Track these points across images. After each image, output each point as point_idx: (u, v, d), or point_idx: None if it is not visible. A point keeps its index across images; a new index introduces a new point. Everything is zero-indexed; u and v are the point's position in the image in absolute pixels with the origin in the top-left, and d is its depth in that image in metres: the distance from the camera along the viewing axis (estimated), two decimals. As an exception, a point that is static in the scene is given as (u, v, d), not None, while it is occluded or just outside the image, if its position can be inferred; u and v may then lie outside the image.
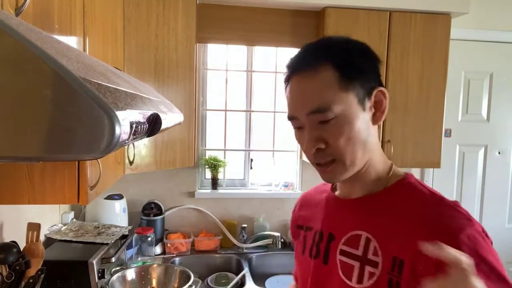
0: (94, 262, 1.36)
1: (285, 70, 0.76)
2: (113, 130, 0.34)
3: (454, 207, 0.67)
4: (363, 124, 0.70)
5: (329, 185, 0.88)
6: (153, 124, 0.55)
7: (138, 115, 0.46)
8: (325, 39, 0.75)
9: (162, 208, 2.11)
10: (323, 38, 0.76)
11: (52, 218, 1.72)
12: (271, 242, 2.15)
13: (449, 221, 0.64)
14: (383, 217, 0.72)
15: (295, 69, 0.73)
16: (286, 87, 0.76)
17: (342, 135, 0.68)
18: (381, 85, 0.74)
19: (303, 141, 0.72)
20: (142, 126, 0.46)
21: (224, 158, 2.30)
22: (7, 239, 1.23)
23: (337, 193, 0.83)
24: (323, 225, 0.82)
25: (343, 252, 0.75)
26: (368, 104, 0.71)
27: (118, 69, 1.03)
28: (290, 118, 0.74)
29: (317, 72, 0.69)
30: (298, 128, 0.74)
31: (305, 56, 0.73)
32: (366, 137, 0.71)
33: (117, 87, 0.47)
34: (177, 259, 2.02)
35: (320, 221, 0.84)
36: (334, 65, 0.69)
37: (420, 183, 0.75)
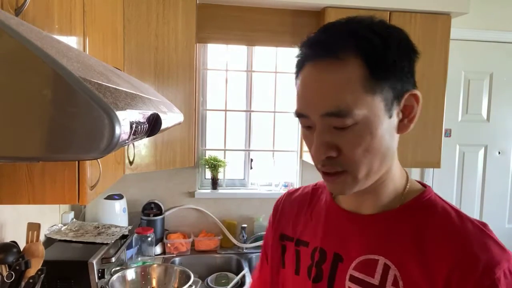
0: (94, 262, 1.36)
1: (298, 52, 0.62)
2: (113, 130, 0.34)
3: (485, 231, 0.58)
4: (386, 132, 0.58)
5: (322, 188, 0.77)
6: (153, 124, 0.55)
7: (138, 115, 0.46)
8: (356, 20, 0.59)
9: (162, 208, 2.11)
10: (353, 19, 0.60)
11: (52, 218, 1.72)
12: (271, 242, 2.14)
13: (482, 250, 0.55)
14: (403, 241, 0.61)
15: (313, 54, 0.58)
16: (297, 75, 0.62)
17: (360, 145, 0.57)
18: (415, 86, 0.60)
19: (312, 143, 0.61)
20: (142, 126, 0.46)
21: (224, 158, 2.30)
22: (7, 239, 1.23)
23: (342, 204, 0.70)
24: (324, 242, 0.69)
25: (354, 279, 0.63)
26: (396, 109, 0.58)
27: (118, 69, 1.03)
28: (299, 115, 0.61)
29: (341, 65, 0.55)
30: (307, 127, 0.62)
31: (328, 40, 0.58)
32: (387, 147, 0.59)
33: (117, 87, 0.47)
34: (177, 259, 2.01)
35: (320, 236, 0.70)
36: (364, 60, 0.55)
37: (441, 199, 0.65)
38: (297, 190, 0.84)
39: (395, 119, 0.59)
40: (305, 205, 0.78)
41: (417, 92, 0.60)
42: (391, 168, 0.63)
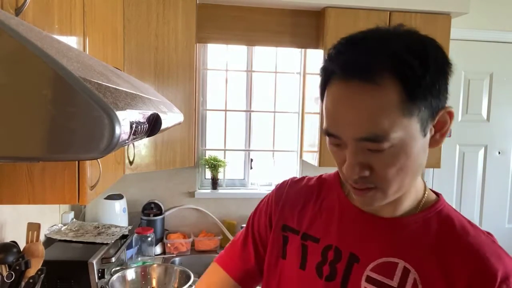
0: (94, 262, 1.36)
1: (325, 63, 0.59)
2: (113, 130, 0.34)
3: (495, 242, 0.63)
4: (420, 150, 0.58)
5: (334, 180, 0.75)
6: (153, 124, 0.55)
7: (138, 115, 0.46)
8: (391, 36, 0.56)
9: (162, 208, 2.11)
10: (387, 33, 0.57)
11: (52, 218, 1.72)
12: (271, 242, 2.14)
13: (497, 261, 0.59)
14: (423, 247, 0.62)
15: (345, 73, 0.55)
16: (323, 87, 0.60)
17: (394, 165, 0.56)
18: (447, 100, 0.59)
19: (341, 159, 0.60)
20: (142, 126, 0.46)
21: (224, 158, 2.30)
22: (7, 239, 1.23)
23: (357, 204, 0.69)
24: (339, 241, 0.68)
25: (371, 280, 0.63)
26: (430, 126, 0.58)
27: (118, 69, 1.03)
28: (329, 134, 0.59)
29: (377, 88, 0.53)
30: (336, 145, 0.60)
31: (362, 60, 0.54)
32: (420, 164, 0.60)
33: (117, 87, 0.47)
34: (177, 259, 2.01)
35: (335, 235, 0.69)
36: (402, 84, 0.52)
37: (453, 209, 0.68)
38: (301, 179, 0.82)
39: (428, 136, 0.58)
40: (312, 198, 0.76)
41: (451, 109, 0.58)
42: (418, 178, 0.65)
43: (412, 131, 0.55)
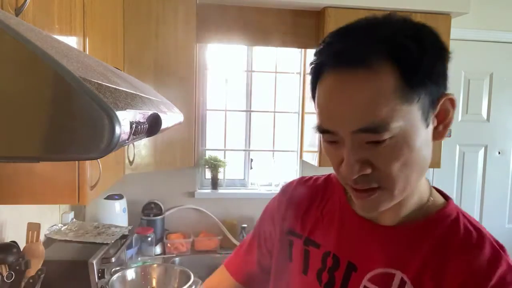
0: (94, 262, 1.36)
1: (314, 59, 0.55)
2: (113, 130, 0.34)
3: (502, 257, 0.56)
4: (424, 142, 0.53)
5: (338, 182, 0.69)
6: (153, 124, 0.55)
7: (138, 115, 0.46)
8: (383, 23, 0.54)
9: (162, 208, 2.11)
10: (376, 21, 0.55)
11: (52, 218, 1.72)
12: (271, 242, 2.14)
13: (493, 274, 0.54)
14: (422, 257, 0.58)
15: (337, 63, 0.52)
16: (314, 85, 0.56)
17: (397, 159, 0.51)
18: (447, 88, 0.55)
19: (338, 159, 0.55)
20: (142, 126, 0.46)
21: (224, 158, 2.30)
22: (7, 239, 1.23)
23: (358, 210, 0.66)
24: (338, 248, 0.66)
25: None
26: (432, 115, 0.54)
27: (118, 69, 1.03)
28: (323, 131, 0.55)
29: (373, 75, 0.50)
30: (331, 142, 0.56)
31: (355, 48, 0.51)
32: (425, 158, 0.55)
33: (117, 87, 0.47)
34: (177, 259, 2.01)
35: (333, 241, 0.67)
36: (399, 68, 0.49)
37: (463, 215, 0.61)
38: (308, 179, 0.78)
39: (431, 127, 0.54)
40: (317, 199, 0.73)
41: (453, 96, 0.54)
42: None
43: (414, 120, 0.51)
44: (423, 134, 0.53)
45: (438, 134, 0.56)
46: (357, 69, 0.50)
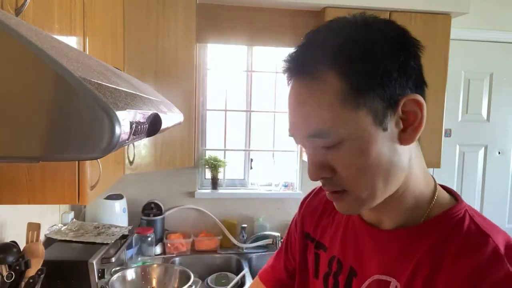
0: (94, 262, 1.36)
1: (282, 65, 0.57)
2: (113, 130, 0.34)
3: (507, 268, 0.49)
4: (384, 147, 0.52)
5: None
6: (153, 124, 0.55)
7: (138, 115, 0.46)
8: (332, 27, 0.55)
9: (162, 208, 2.11)
10: (329, 25, 0.55)
11: (52, 218, 1.72)
12: (271, 242, 2.15)
13: None
14: (415, 262, 0.55)
15: (290, 71, 0.55)
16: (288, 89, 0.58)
17: (353, 164, 0.52)
18: (417, 88, 0.52)
19: None
20: (142, 126, 0.46)
21: (224, 158, 2.30)
22: (7, 239, 1.23)
23: (364, 216, 0.65)
24: (341, 253, 0.66)
25: None
26: (393, 119, 0.51)
27: (118, 69, 1.03)
28: (290, 135, 0.57)
29: (316, 82, 0.51)
30: (303, 146, 0.57)
31: (302, 56, 0.54)
32: (389, 163, 0.52)
33: (117, 87, 0.47)
34: (177, 259, 2.02)
35: (338, 245, 0.67)
36: (339, 73, 0.50)
37: (474, 220, 0.55)
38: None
39: (393, 130, 0.52)
40: (332, 204, 0.71)
41: (416, 96, 0.51)
42: (408, 180, 0.56)
43: (363, 125, 0.50)
44: (381, 139, 0.51)
45: (407, 137, 0.53)
46: (303, 77, 0.53)
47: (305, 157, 2.21)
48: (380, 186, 0.53)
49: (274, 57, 2.31)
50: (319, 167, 0.54)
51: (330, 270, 0.67)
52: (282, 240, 0.90)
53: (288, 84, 0.56)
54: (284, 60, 0.56)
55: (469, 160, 2.55)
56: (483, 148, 2.57)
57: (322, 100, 0.51)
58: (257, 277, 0.89)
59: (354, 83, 0.50)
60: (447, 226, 0.55)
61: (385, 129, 0.51)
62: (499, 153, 2.59)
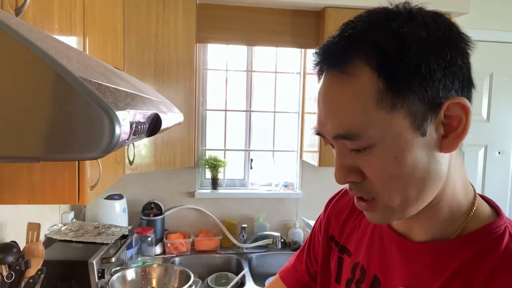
0: (94, 262, 1.36)
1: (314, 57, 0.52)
2: (113, 130, 0.34)
3: None
4: (421, 154, 0.47)
5: None
6: (153, 124, 0.55)
7: (138, 115, 0.46)
8: (370, 18, 0.48)
9: (162, 208, 2.11)
10: (367, 15, 0.48)
11: (52, 218, 1.72)
12: (271, 242, 2.15)
13: None
14: (444, 279, 0.50)
15: (322, 64, 0.50)
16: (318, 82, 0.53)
17: (384, 170, 0.47)
18: (464, 90, 0.49)
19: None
20: (142, 126, 0.46)
21: (224, 158, 2.30)
22: (7, 239, 1.23)
23: (393, 224, 0.61)
24: (366, 260, 0.63)
25: None
26: (433, 124, 0.47)
27: (118, 69, 1.03)
28: (318, 133, 0.53)
29: (349, 78, 0.46)
30: (330, 145, 0.53)
31: (334, 48, 0.48)
32: (425, 171, 0.48)
33: (117, 87, 0.47)
34: (177, 259, 2.02)
35: (363, 252, 0.64)
36: (375, 69, 0.45)
37: None
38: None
39: (433, 136, 0.47)
40: (358, 209, 0.69)
41: (462, 99, 0.47)
42: (445, 190, 0.51)
43: (398, 128, 0.45)
44: (419, 144, 0.46)
45: (449, 144, 0.47)
46: (335, 71, 0.48)
47: (305, 157, 2.21)
48: (413, 195, 0.49)
49: (274, 57, 2.31)
50: (347, 171, 0.50)
51: (353, 277, 0.64)
52: (304, 240, 0.86)
53: (319, 79, 0.52)
54: (315, 53, 0.51)
55: (469, 160, 2.55)
56: (483, 148, 2.57)
57: (354, 98, 0.46)
58: (277, 275, 0.87)
59: (391, 81, 0.45)
60: (483, 243, 0.50)
61: (423, 134, 0.46)
62: (499, 153, 2.59)
